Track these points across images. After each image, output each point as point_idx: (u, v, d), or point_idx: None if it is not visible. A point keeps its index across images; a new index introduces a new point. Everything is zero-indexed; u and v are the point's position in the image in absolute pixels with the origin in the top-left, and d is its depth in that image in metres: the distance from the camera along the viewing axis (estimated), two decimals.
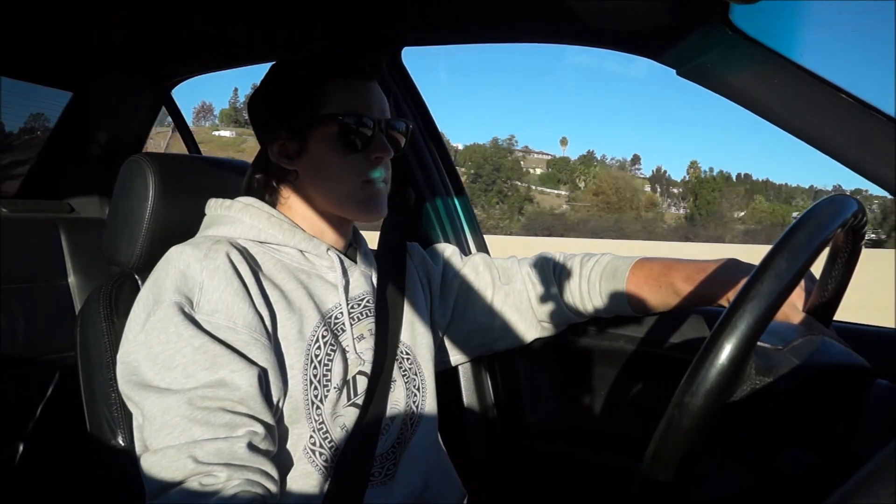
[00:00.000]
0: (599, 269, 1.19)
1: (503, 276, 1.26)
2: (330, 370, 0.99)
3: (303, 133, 1.02)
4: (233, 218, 1.02)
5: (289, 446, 0.96)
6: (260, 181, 1.07)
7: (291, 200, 1.06)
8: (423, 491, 1.09)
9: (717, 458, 0.69)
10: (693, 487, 0.67)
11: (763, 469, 0.69)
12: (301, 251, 1.03)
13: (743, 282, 0.59)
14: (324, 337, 0.99)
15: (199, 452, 0.83)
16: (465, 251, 1.54)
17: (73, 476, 1.56)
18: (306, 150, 1.03)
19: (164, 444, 0.85)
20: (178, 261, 0.94)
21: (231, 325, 0.91)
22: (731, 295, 1.03)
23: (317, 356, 0.98)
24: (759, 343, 0.62)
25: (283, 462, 0.95)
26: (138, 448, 0.90)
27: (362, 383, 1.03)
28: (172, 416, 0.85)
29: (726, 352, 0.53)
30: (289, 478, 0.96)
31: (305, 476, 0.97)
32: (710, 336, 0.57)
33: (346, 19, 1.38)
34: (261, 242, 1.01)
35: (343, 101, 1.01)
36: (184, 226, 1.07)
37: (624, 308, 1.17)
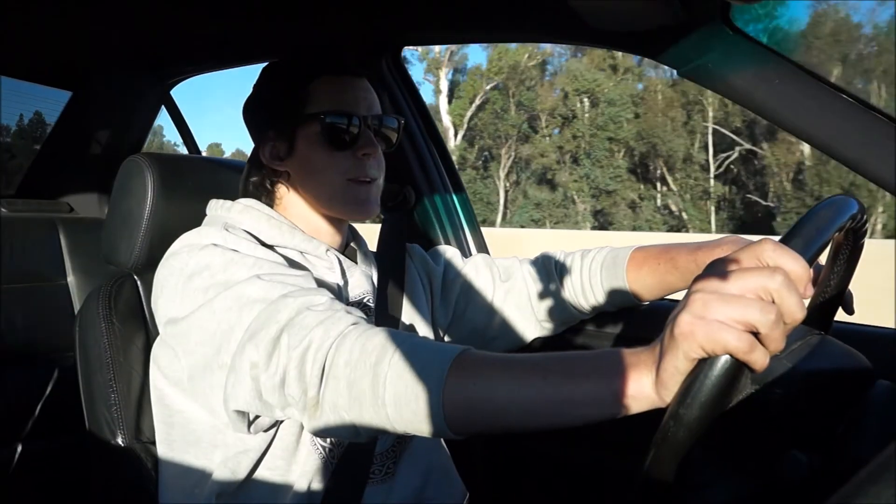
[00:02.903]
0: (601, 259, 1.19)
1: (503, 273, 1.26)
2: None
3: (290, 133, 1.02)
4: (233, 219, 1.02)
5: (296, 434, 0.97)
6: (256, 183, 1.07)
7: (286, 201, 1.06)
8: (422, 490, 1.08)
9: (715, 466, 0.69)
10: (692, 497, 0.67)
11: (762, 473, 0.69)
12: (301, 252, 1.03)
13: None
14: None
15: (299, 298, 0.83)
16: (464, 248, 1.54)
17: (72, 476, 1.56)
18: (294, 150, 1.03)
19: (268, 298, 0.84)
20: (205, 240, 0.94)
21: (284, 271, 0.91)
22: None
23: None
24: None
25: (290, 448, 0.96)
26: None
27: None
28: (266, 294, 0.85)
29: (721, 361, 0.53)
30: (296, 466, 0.96)
31: (312, 471, 0.97)
32: None
33: (348, 18, 1.38)
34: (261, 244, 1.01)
35: (327, 98, 1.01)
36: (183, 226, 1.06)
37: (624, 292, 1.16)
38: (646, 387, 0.59)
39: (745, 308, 0.53)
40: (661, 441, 0.54)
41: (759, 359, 0.53)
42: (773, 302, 0.53)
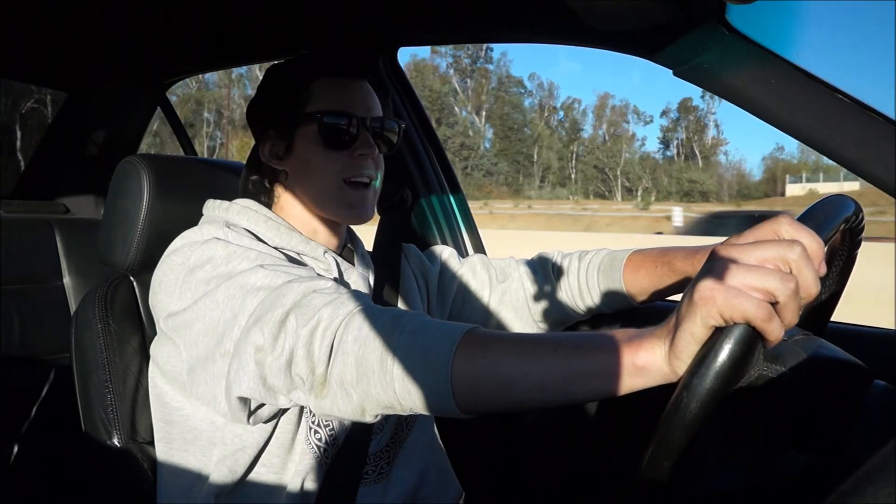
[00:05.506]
0: (598, 260, 1.19)
1: (500, 274, 1.26)
2: None
3: (289, 132, 1.03)
4: (231, 219, 1.02)
5: (292, 431, 0.97)
6: (255, 182, 1.07)
7: (284, 201, 1.06)
8: (418, 489, 1.09)
9: (718, 453, 0.69)
10: (693, 482, 0.67)
11: (763, 466, 0.69)
12: (298, 254, 1.02)
13: None
14: None
15: (305, 282, 0.83)
16: (461, 249, 1.54)
17: (68, 477, 1.56)
18: (293, 149, 1.03)
19: (272, 285, 0.83)
20: (207, 235, 0.94)
21: (286, 264, 0.91)
22: None
23: None
24: None
25: (286, 445, 0.96)
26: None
27: None
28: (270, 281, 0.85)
29: (738, 330, 0.53)
30: (291, 464, 0.96)
31: (306, 469, 0.97)
32: None
33: (344, 19, 1.38)
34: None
35: (326, 98, 1.01)
36: (179, 227, 1.06)
37: (621, 295, 1.16)
38: (658, 357, 0.59)
39: (765, 276, 0.53)
40: (672, 413, 0.54)
41: (774, 329, 0.53)
42: (791, 273, 0.54)
